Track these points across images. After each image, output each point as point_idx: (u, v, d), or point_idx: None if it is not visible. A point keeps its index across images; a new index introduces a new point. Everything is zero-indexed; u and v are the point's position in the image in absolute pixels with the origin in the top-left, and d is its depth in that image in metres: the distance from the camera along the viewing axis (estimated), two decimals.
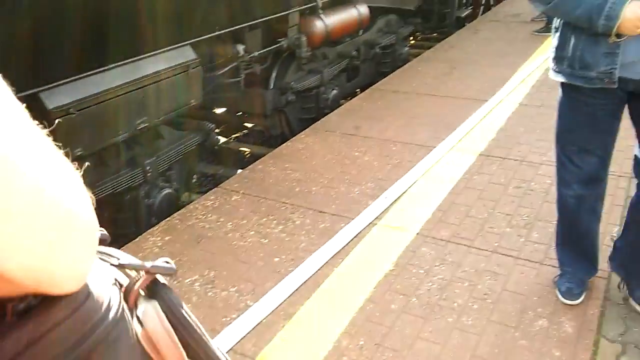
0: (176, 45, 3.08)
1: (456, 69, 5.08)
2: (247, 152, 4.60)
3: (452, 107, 4.20)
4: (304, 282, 2.28)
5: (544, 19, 6.31)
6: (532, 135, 3.63)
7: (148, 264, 0.48)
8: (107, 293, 0.44)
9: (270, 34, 4.22)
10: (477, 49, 5.69)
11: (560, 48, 1.85)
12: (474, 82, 4.71)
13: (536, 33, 6.06)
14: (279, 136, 4.45)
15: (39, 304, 0.39)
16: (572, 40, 1.80)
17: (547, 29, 6.02)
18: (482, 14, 7.81)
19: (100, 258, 0.48)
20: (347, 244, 2.55)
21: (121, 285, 0.47)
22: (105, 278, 0.45)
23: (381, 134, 3.80)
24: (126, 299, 0.46)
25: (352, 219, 2.76)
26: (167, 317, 0.47)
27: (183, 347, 0.48)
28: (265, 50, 4.14)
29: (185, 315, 0.49)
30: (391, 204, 2.88)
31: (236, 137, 4.97)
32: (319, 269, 2.36)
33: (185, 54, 3.21)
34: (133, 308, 0.47)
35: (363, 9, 5.11)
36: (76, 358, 0.39)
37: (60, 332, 0.39)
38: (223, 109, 4.69)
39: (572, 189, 2.03)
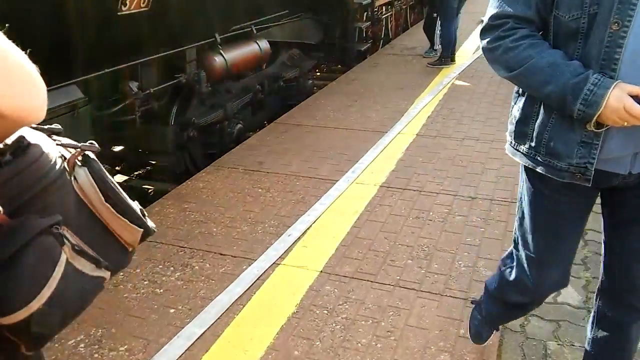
0: (60, 85, 2.89)
1: (357, 102, 5.19)
2: (150, 190, 4.38)
3: (354, 139, 4.26)
4: (202, 334, 2.14)
5: (436, 53, 6.68)
6: (429, 164, 3.75)
7: (80, 144, 0.77)
8: (55, 154, 0.73)
9: (167, 70, 4.09)
10: (377, 82, 5.87)
11: (522, 122, 1.45)
12: (375, 114, 4.84)
13: (430, 66, 6.38)
14: (183, 173, 4.29)
15: (12, 159, 0.67)
16: (540, 117, 1.40)
17: (440, 62, 6.37)
18: (381, 47, 8.14)
19: (52, 139, 0.75)
20: (249, 287, 2.45)
21: (64, 157, 0.75)
22: (54, 148, 0.74)
23: (285, 169, 3.76)
24: (67, 165, 0.74)
25: (255, 260, 2.67)
26: (94, 179, 0.76)
27: (107, 201, 0.77)
28: (162, 86, 4.00)
29: (107, 178, 0.78)
30: (295, 242, 2.82)
31: (138, 174, 4.73)
32: (218, 318, 2.23)
33: (71, 94, 3.01)
34: (71, 171, 0.75)
35: (264, 44, 5.12)
36: (35, 194, 0.69)
37: (26, 174, 0.68)
38: (120, 147, 4.45)
39: (519, 298, 1.69)
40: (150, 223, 0.87)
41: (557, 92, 1.28)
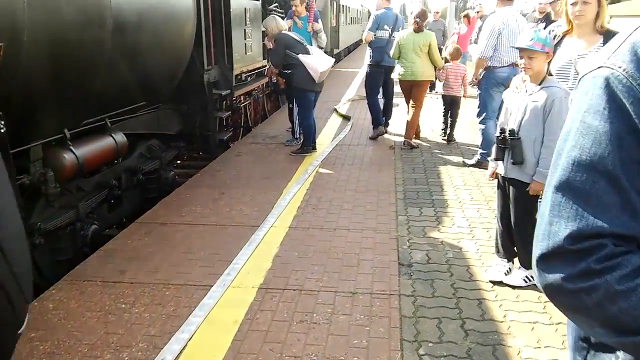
0: None
1: (225, 194, 5.04)
2: None
3: (225, 237, 4.07)
4: None
5: (297, 141, 6.86)
6: (306, 259, 3.68)
7: None
8: None
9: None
10: (242, 172, 5.80)
11: None
12: (244, 206, 4.71)
13: (293, 154, 6.51)
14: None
15: None
16: None
17: (302, 150, 6.53)
18: (242, 137, 8.18)
19: None
20: None
21: None
22: None
23: (151, 277, 3.41)
24: None
25: None
26: None
27: None
28: None
29: None
30: None
31: None
32: None
33: None
34: None
35: (119, 137, 4.81)
36: None
37: None
38: None
39: None
40: None
41: None
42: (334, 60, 6.54)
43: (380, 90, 7.47)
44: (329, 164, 6.11)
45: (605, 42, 3.11)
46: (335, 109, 9.69)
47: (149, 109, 5.54)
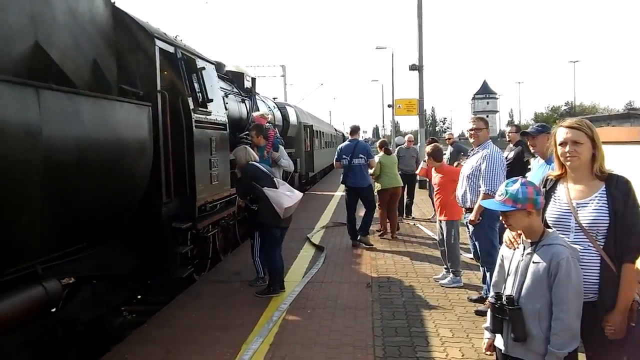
0: None
1: (171, 354, 4.24)
2: None
3: None
4: None
5: (263, 281, 6.17)
6: None
7: None
8: None
9: None
10: (197, 321, 5.04)
11: None
12: None
13: (259, 295, 5.81)
14: None
15: None
16: None
17: (268, 291, 5.83)
18: (210, 268, 7.49)
19: None
20: None
21: None
22: None
23: None
24: None
25: None
26: None
27: None
28: None
29: None
30: None
31: None
32: None
33: None
34: None
35: (52, 285, 4.12)
36: None
37: None
38: None
39: None
40: None
41: None
42: (301, 195, 6.11)
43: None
44: (299, 308, 5.39)
45: (608, 188, 2.66)
46: (308, 238, 9.13)
47: (91, 250, 4.89)
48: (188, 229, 6.43)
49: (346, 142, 8.85)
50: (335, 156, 8.76)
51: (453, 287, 6.10)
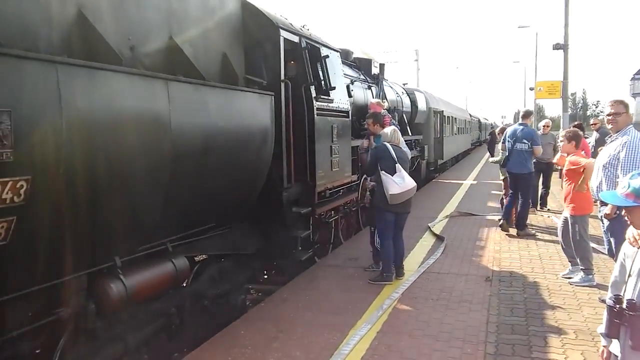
0: None
1: (283, 333, 4.47)
2: None
3: None
4: None
5: (379, 267, 6.19)
6: None
7: None
8: None
9: (44, 305, 3.40)
10: (310, 304, 5.23)
11: None
12: (301, 351, 4.09)
13: (371, 282, 5.85)
14: None
15: None
16: None
17: (381, 278, 5.85)
18: (331, 251, 7.70)
19: None
20: None
21: None
22: None
23: None
24: None
25: None
26: None
27: None
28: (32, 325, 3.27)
29: None
30: None
31: None
32: None
33: None
34: None
35: (181, 262, 4.54)
36: None
37: None
38: None
39: None
40: None
41: None
42: (413, 185, 5.91)
43: None
44: (410, 298, 5.34)
45: None
46: (429, 227, 8.95)
47: (218, 230, 5.29)
48: (308, 214, 6.66)
49: (514, 126, 8.63)
50: (501, 139, 8.77)
51: (584, 286, 5.60)
